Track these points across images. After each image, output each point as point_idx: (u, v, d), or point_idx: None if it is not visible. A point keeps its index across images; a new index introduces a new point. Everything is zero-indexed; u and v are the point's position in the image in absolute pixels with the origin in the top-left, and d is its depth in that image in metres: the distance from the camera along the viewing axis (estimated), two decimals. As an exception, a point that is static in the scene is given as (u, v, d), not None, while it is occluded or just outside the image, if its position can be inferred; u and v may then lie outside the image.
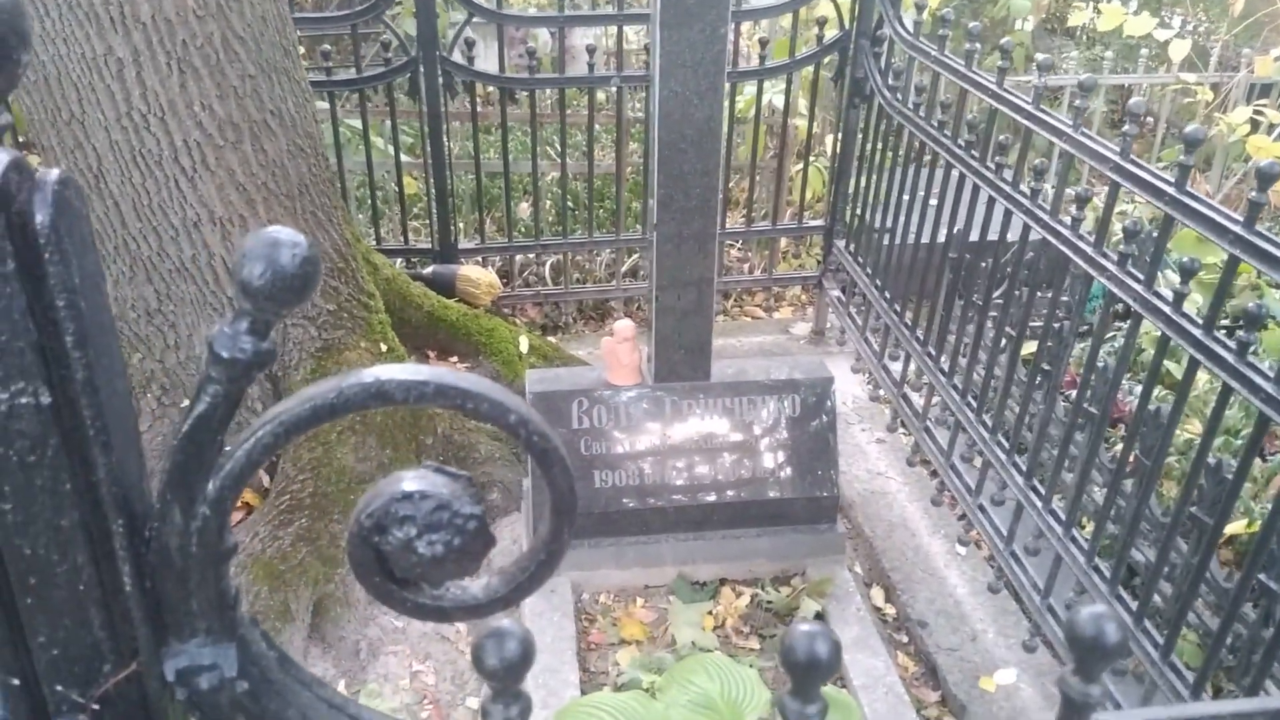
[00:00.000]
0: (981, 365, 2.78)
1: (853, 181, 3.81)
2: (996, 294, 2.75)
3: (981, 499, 2.73)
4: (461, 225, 4.49)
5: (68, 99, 2.48)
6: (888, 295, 3.42)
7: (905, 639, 2.74)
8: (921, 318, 3.13)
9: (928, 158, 3.09)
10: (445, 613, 0.56)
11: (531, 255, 4.22)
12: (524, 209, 4.80)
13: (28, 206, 0.47)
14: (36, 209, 0.47)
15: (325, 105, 3.60)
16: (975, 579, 2.84)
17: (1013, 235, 2.62)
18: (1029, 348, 2.66)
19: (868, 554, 3.01)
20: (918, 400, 3.17)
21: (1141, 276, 2.07)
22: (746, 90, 4.39)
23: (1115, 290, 2.14)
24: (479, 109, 3.78)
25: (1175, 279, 1.98)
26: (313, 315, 2.92)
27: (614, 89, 3.79)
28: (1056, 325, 2.44)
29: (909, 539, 3.01)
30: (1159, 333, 2.01)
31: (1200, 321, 1.90)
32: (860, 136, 3.72)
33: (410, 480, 0.53)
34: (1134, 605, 2.13)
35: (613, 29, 3.94)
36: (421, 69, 3.51)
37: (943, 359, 3.00)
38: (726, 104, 2.89)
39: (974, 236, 2.79)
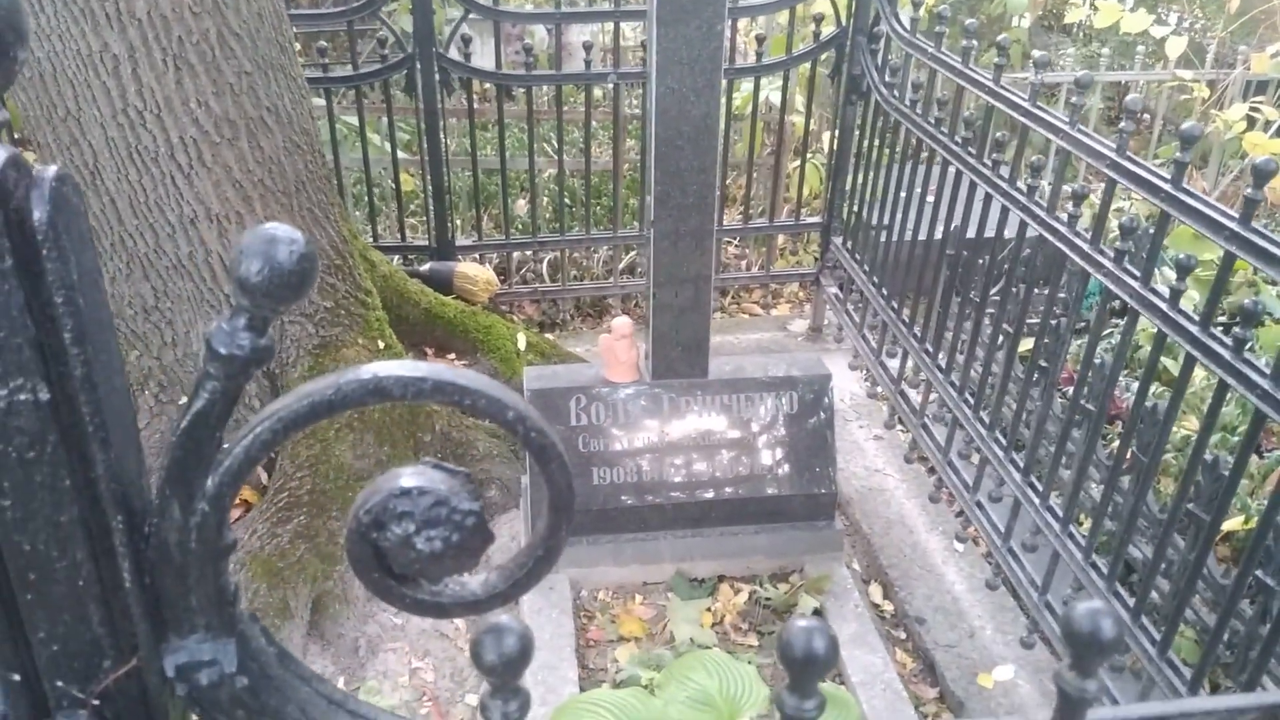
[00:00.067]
0: (979, 362, 2.79)
1: (850, 178, 3.81)
2: (994, 290, 2.75)
3: (979, 495, 2.73)
4: (459, 222, 4.49)
5: (63, 95, 2.48)
6: (885, 292, 3.42)
7: (903, 635, 2.74)
8: (919, 314, 3.14)
9: (925, 154, 3.10)
10: (444, 608, 0.56)
11: (529, 252, 4.22)
12: (521, 206, 4.80)
13: (25, 203, 0.47)
14: (34, 206, 0.47)
15: (322, 102, 3.59)
16: (973, 575, 2.85)
17: (1010, 232, 2.63)
18: (1026, 344, 2.66)
19: (866, 551, 3.01)
20: (915, 397, 3.17)
21: (1138, 273, 2.07)
22: (744, 87, 4.38)
23: (1112, 287, 2.14)
24: (476, 106, 3.78)
25: (1172, 275, 1.98)
26: (310, 312, 2.92)
27: (611, 86, 3.79)
28: (1053, 322, 2.44)
29: (907, 536, 3.01)
30: (1155, 329, 2.02)
31: (1197, 318, 1.90)
32: (857, 133, 3.72)
33: (408, 476, 0.53)
34: (1131, 602, 2.14)
35: (609, 25, 3.94)
36: (418, 65, 3.51)
37: (940, 356, 3.00)
38: (724, 101, 2.89)
39: (971, 233, 2.80)
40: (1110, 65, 5.17)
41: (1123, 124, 2.14)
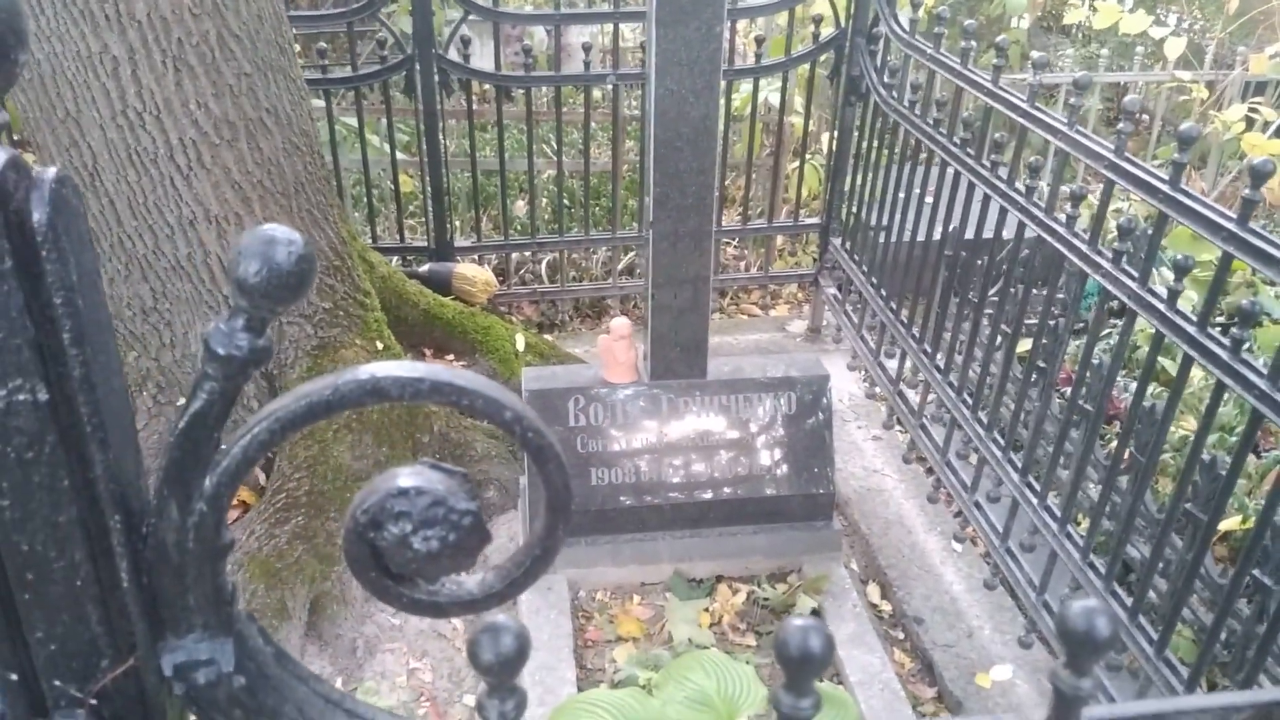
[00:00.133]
0: (977, 362, 2.79)
1: (849, 179, 3.81)
2: (992, 291, 2.76)
3: (977, 496, 2.74)
4: (458, 223, 4.49)
5: (63, 97, 2.48)
6: (884, 293, 3.43)
7: (901, 635, 2.75)
8: (917, 315, 3.14)
9: (923, 155, 3.10)
10: (441, 608, 0.57)
11: (528, 253, 4.22)
12: (520, 207, 4.81)
13: (25, 205, 0.47)
14: (34, 207, 0.47)
15: (321, 103, 3.59)
16: (971, 575, 2.85)
17: (1008, 233, 2.63)
18: (1024, 345, 2.67)
19: (864, 551, 3.01)
20: (914, 397, 3.18)
21: (1136, 274, 2.08)
22: (743, 88, 4.39)
23: (1110, 287, 2.14)
24: (475, 107, 3.78)
25: (1170, 276, 1.98)
26: (309, 313, 2.92)
27: (610, 87, 3.79)
28: (1052, 322, 2.45)
29: (905, 536, 3.02)
30: (1153, 330, 2.02)
31: (1194, 318, 1.91)
32: (856, 134, 3.72)
33: (406, 476, 0.53)
34: (1129, 601, 2.14)
35: (609, 27, 3.94)
36: (417, 67, 3.51)
37: (938, 356, 3.01)
38: (723, 102, 2.90)
39: (970, 234, 2.80)
40: (1109, 66, 5.17)
41: (1121, 125, 2.14)
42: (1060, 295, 2.50)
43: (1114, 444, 2.22)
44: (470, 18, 3.51)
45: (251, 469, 0.55)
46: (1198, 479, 1.97)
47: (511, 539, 2.93)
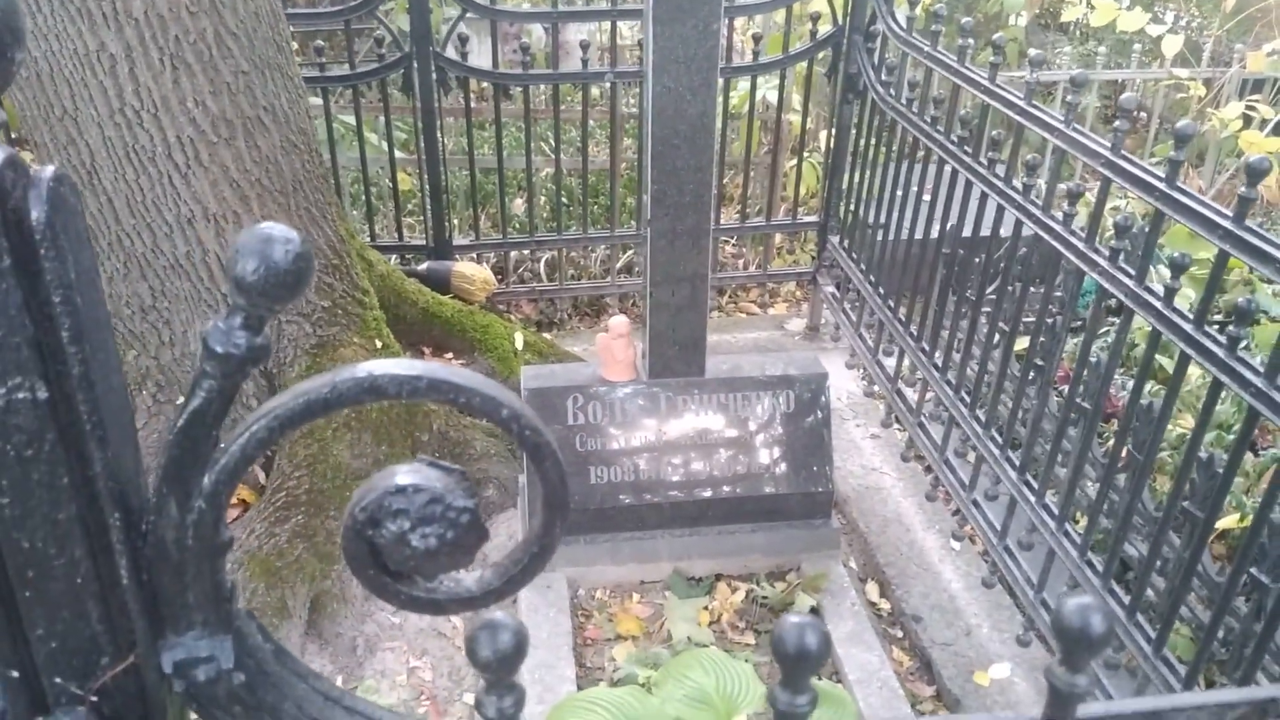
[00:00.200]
0: (975, 360, 2.79)
1: (847, 177, 3.82)
2: (990, 289, 2.76)
3: (975, 494, 2.74)
4: (456, 221, 4.49)
5: (60, 95, 2.48)
6: (882, 291, 3.43)
7: (900, 634, 2.75)
8: (915, 313, 3.14)
9: (921, 153, 3.10)
10: (439, 605, 0.57)
11: (526, 251, 4.22)
12: (519, 205, 4.81)
13: (23, 203, 0.47)
14: (32, 206, 0.47)
15: (319, 101, 3.59)
16: (969, 574, 2.86)
17: (1005, 230, 2.63)
18: (1022, 343, 2.67)
19: (862, 549, 3.02)
20: (912, 396, 3.18)
21: (1133, 271, 2.08)
22: (740, 86, 4.39)
23: (1107, 285, 2.15)
24: (473, 105, 3.78)
25: (1167, 274, 1.99)
26: (307, 312, 2.92)
27: (608, 85, 3.79)
28: (1049, 320, 2.45)
29: (903, 534, 3.02)
30: (1150, 328, 2.02)
31: (1191, 316, 1.91)
32: (854, 132, 3.73)
33: (404, 474, 0.53)
34: (1127, 599, 2.15)
35: (607, 24, 3.94)
36: (415, 65, 3.51)
37: (936, 354, 3.01)
38: (720, 99, 2.90)
39: (967, 232, 2.80)
40: (1107, 64, 5.18)
41: (1117, 122, 2.14)
42: (1058, 293, 2.51)
43: (1112, 442, 2.22)
44: (468, 15, 3.51)
45: (250, 467, 0.55)
46: (1195, 477, 1.97)
47: (511, 537, 2.93)
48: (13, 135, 3.25)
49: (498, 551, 2.80)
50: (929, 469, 3.16)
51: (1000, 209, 2.60)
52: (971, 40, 2.78)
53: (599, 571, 2.78)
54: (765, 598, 2.74)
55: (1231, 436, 2.77)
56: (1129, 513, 2.14)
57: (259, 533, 2.62)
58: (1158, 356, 2.15)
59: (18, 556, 0.53)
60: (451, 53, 3.53)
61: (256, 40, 2.61)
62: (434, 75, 3.53)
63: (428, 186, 3.75)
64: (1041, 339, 2.48)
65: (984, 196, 2.68)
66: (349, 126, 4.13)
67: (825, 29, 3.73)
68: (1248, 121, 4.59)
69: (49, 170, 0.49)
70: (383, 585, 0.56)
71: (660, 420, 2.69)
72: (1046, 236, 2.37)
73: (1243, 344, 1.80)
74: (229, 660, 0.58)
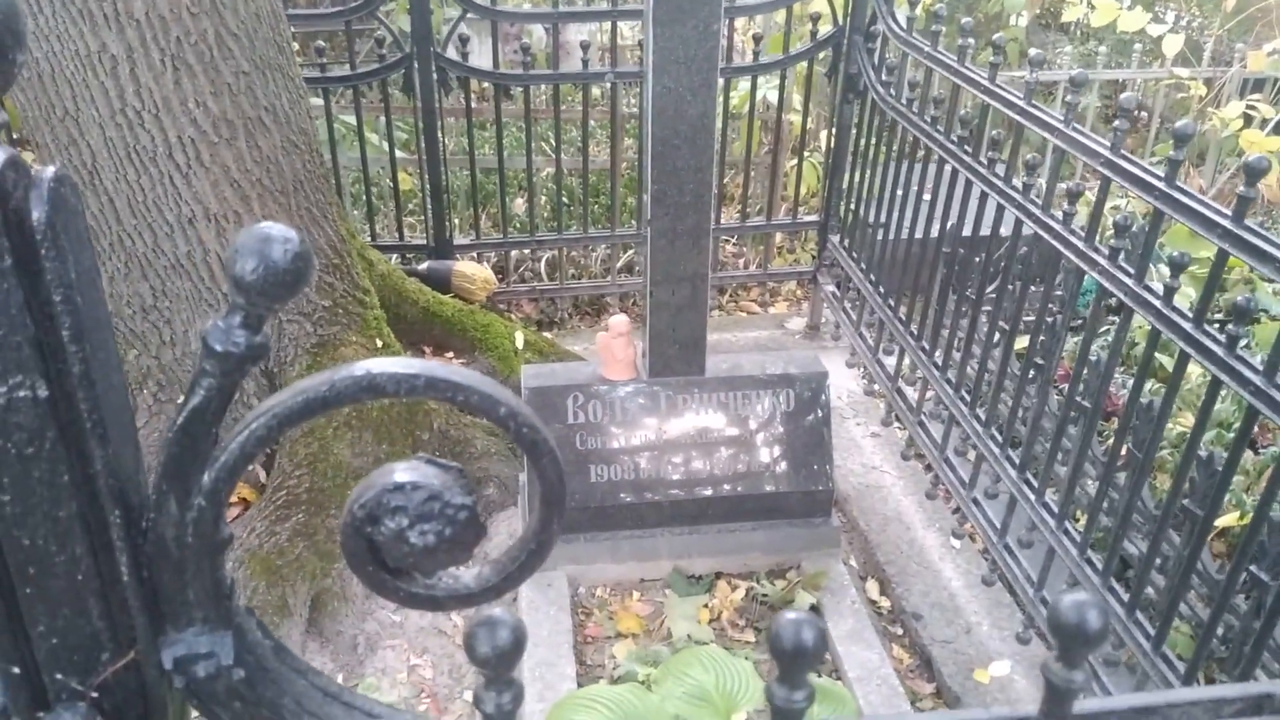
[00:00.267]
0: (975, 359, 2.79)
1: (847, 177, 3.82)
2: (990, 288, 2.76)
3: (975, 492, 2.74)
4: (457, 221, 4.49)
5: (62, 96, 2.48)
6: (882, 290, 3.43)
7: (900, 632, 2.75)
8: (916, 312, 3.14)
9: (921, 153, 3.10)
10: (438, 601, 0.57)
11: (527, 251, 4.22)
12: (519, 205, 4.81)
13: (24, 204, 0.48)
14: (33, 206, 0.48)
15: (319, 101, 3.60)
16: (969, 572, 2.86)
17: (1005, 230, 2.63)
18: (1022, 341, 2.67)
19: (863, 547, 3.02)
20: (912, 394, 3.18)
21: (1132, 270, 2.08)
22: (741, 86, 4.39)
23: (1106, 284, 2.15)
24: (473, 105, 3.78)
25: (1167, 273, 1.99)
26: (308, 311, 2.92)
27: (608, 85, 3.79)
28: (1049, 319, 2.45)
29: (904, 532, 3.02)
30: (1150, 326, 2.03)
31: (1190, 315, 1.91)
32: (854, 132, 3.73)
33: (402, 471, 0.53)
34: (1126, 597, 2.15)
35: (607, 25, 3.94)
36: (416, 65, 3.51)
37: (936, 353, 3.01)
38: (721, 99, 2.90)
39: (967, 231, 2.81)
40: (1107, 63, 5.18)
41: (1117, 122, 2.14)
42: (1058, 292, 2.51)
43: (1111, 440, 2.23)
44: (468, 16, 3.51)
45: (249, 464, 0.55)
46: (1195, 475, 1.97)
47: (511, 535, 2.94)
48: (14, 136, 3.26)
49: (499, 550, 2.81)
50: (929, 467, 3.16)
51: (1000, 208, 2.60)
52: (972, 40, 2.79)
53: (599, 569, 2.79)
54: (765, 596, 2.75)
55: (1231, 435, 2.77)
56: (1129, 511, 2.14)
57: (260, 531, 2.62)
58: (1157, 355, 2.15)
59: (19, 553, 0.53)
60: (452, 53, 3.53)
61: (257, 41, 2.62)
62: (435, 75, 3.53)
63: (428, 186, 3.75)
64: (1041, 338, 2.48)
65: (984, 196, 2.68)
66: (350, 127, 4.13)
67: (825, 29, 3.73)
68: (1248, 121, 4.59)
69: (50, 171, 0.49)
70: (381, 582, 0.56)
71: (660, 419, 2.70)
72: (1046, 236, 2.37)
73: (1242, 342, 1.81)
74: (229, 656, 0.58)
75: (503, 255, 4.15)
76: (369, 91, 4.02)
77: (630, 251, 4.42)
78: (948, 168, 2.88)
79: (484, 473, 3.08)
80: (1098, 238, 2.24)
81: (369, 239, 3.74)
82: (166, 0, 2.41)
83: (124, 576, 0.56)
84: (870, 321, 3.54)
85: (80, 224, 0.51)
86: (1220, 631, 1.94)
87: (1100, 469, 2.27)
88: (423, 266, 3.78)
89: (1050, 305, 2.47)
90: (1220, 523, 2.35)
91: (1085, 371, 2.31)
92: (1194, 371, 2.87)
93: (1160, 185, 1.98)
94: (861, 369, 3.74)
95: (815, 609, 2.67)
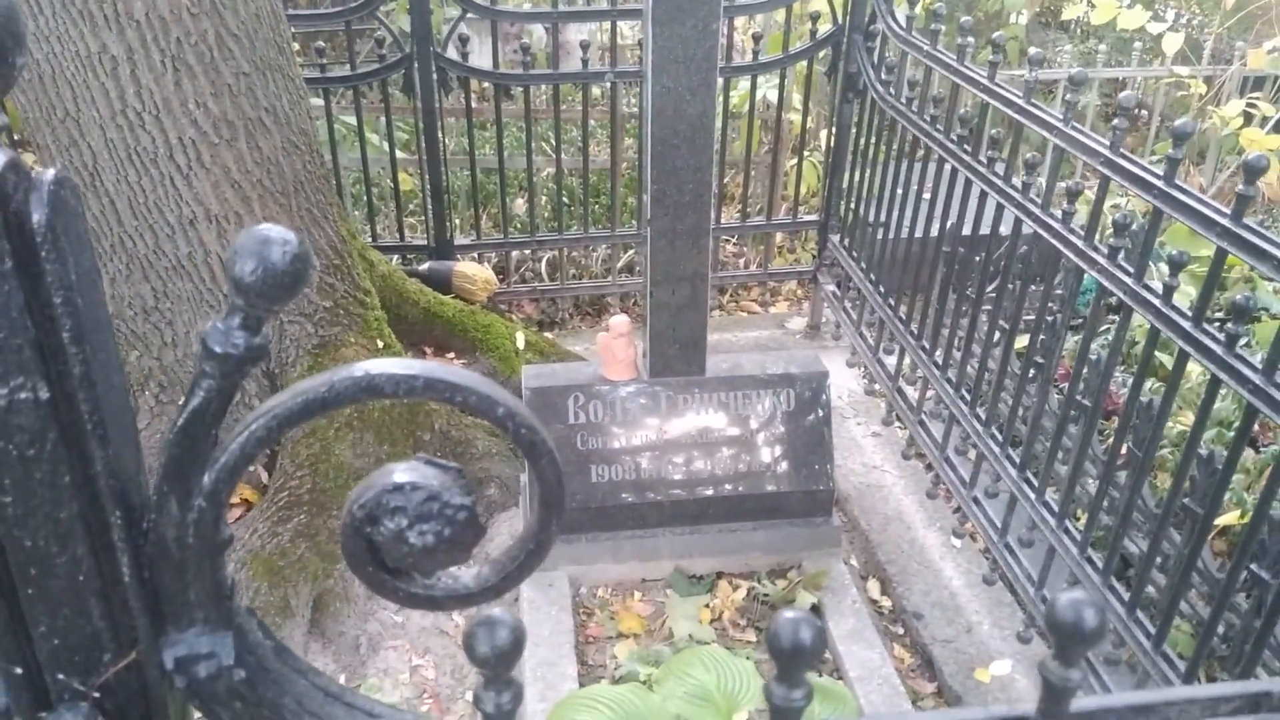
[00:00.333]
0: (975, 358, 2.80)
1: (847, 176, 3.82)
2: (990, 288, 2.76)
3: (976, 491, 2.74)
4: (457, 221, 4.50)
5: (62, 97, 2.49)
6: (882, 289, 3.43)
7: (901, 631, 2.75)
8: (916, 311, 3.15)
9: (921, 152, 3.10)
10: (437, 601, 0.57)
11: (527, 251, 4.23)
12: (519, 205, 4.81)
13: (25, 206, 0.48)
14: (33, 208, 0.48)
15: (320, 102, 3.60)
16: (970, 571, 2.86)
17: (1005, 229, 2.64)
18: (1022, 340, 2.67)
19: (863, 547, 3.02)
20: (912, 394, 3.18)
21: (1132, 269, 2.08)
22: (740, 85, 4.39)
23: (1106, 283, 2.15)
24: (474, 105, 3.79)
25: (1166, 272, 1.99)
26: (309, 312, 2.93)
27: (608, 84, 3.80)
28: (1049, 318, 2.45)
29: (904, 532, 3.02)
30: (1149, 325, 2.03)
31: (1189, 314, 1.91)
32: (854, 131, 3.73)
33: (401, 472, 0.54)
34: (1127, 596, 2.15)
35: (607, 24, 3.95)
36: (416, 65, 3.51)
37: (937, 352, 3.01)
38: (721, 99, 2.90)
39: (967, 230, 2.81)
40: (1107, 62, 5.17)
41: (1116, 121, 2.14)
42: (1058, 291, 2.51)
43: (1111, 439, 2.23)
44: (468, 16, 3.51)
45: (250, 465, 0.55)
46: (1195, 474, 1.98)
47: (513, 536, 2.93)
48: (15, 137, 3.26)
49: (500, 550, 2.81)
50: (929, 467, 3.16)
51: (1000, 207, 2.60)
52: (971, 39, 2.79)
53: (600, 569, 2.79)
54: (766, 595, 2.75)
55: (1231, 433, 2.77)
56: (1129, 509, 2.14)
57: (262, 532, 2.62)
58: (1157, 354, 2.15)
59: (20, 554, 0.53)
60: (452, 53, 3.54)
61: (257, 42, 2.62)
62: (435, 76, 3.53)
63: (429, 186, 3.76)
64: (1041, 337, 2.48)
65: (984, 195, 2.68)
66: (350, 127, 4.13)
67: (825, 28, 3.73)
68: (1248, 119, 4.59)
69: (50, 173, 0.49)
70: (381, 582, 0.56)
71: (661, 419, 2.70)
72: (1046, 235, 2.37)
73: (1242, 341, 1.81)
74: (230, 657, 0.59)
75: (503, 255, 4.15)
76: (369, 92, 4.03)
77: (631, 251, 4.42)
78: (947, 167, 2.89)
79: (485, 473, 3.09)
80: (1097, 236, 2.24)
81: (370, 240, 3.75)
82: (167, 1, 2.41)
83: (125, 577, 0.56)
84: (870, 321, 3.54)
85: (81, 226, 0.52)
86: (1221, 630, 1.95)
87: (1100, 468, 2.27)
88: (423, 267, 3.78)
89: (1050, 304, 2.47)
90: (1220, 521, 2.35)
91: (1085, 370, 2.31)
92: (1194, 370, 2.87)
93: (1159, 184, 1.98)
94: (862, 368, 3.74)
95: (816, 608, 2.68)
